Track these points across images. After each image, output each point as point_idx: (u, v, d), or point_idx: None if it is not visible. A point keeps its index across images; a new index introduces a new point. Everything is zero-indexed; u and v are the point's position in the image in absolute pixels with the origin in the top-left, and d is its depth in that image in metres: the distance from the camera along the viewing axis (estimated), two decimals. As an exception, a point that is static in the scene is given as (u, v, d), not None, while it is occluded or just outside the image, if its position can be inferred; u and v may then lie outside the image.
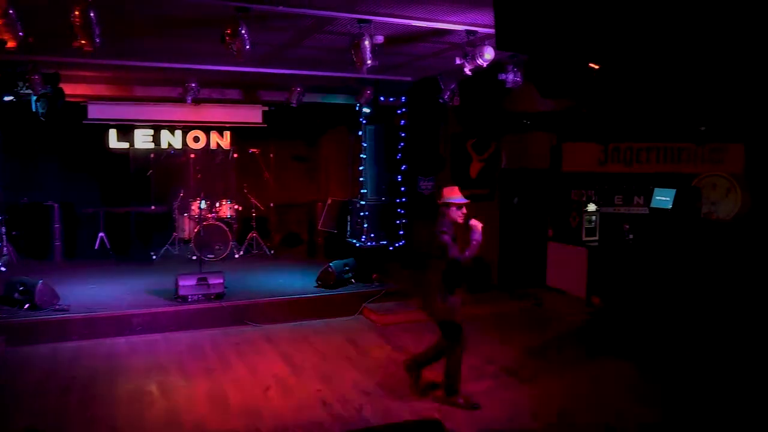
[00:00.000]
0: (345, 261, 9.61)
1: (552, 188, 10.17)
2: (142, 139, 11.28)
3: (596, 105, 8.47)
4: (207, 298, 8.33)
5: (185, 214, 11.76)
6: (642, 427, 5.17)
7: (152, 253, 11.37)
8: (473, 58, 6.32)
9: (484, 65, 6.33)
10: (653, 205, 9.06)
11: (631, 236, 9.07)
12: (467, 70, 6.45)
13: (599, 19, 3.61)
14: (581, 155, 9.98)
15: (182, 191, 11.71)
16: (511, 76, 7.28)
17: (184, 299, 8.22)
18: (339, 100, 10.66)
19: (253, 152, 12.08)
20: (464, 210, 5.61)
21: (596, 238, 9.46)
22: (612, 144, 9.78)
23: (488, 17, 5.77)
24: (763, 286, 7.16)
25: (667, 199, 8.83)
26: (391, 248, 10.39)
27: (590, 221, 9.48)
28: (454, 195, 5.60)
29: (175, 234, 11.65)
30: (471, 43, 6.34)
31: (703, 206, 9.26)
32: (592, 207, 9.48)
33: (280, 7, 5.43)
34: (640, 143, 9.66)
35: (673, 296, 7.76)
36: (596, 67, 5.87)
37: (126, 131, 11.15)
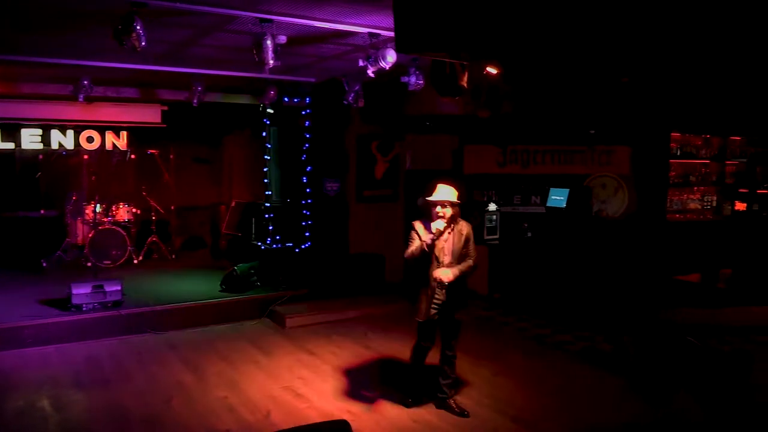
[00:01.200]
0: (250, 264, 9.55)
1: (457, 189, 10.31)
2: (30, 139, 10.74)
3: (494, 109, 8.81)
4: (103, 306, 8.10)
5: (78, 219, 11.28)
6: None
7: (42, 261, 10.86)
8: (376, 61, 6.32)
9: (387, 68, 6.34)
10: (549, 204, 9.35)
11: (529, 234, 9.35)
12: (370, 72, 6.44)
13: (495, 22, 3.68)
14: (482, 157, 10.20)
15: (75, 194, 11.29)
16: (413, 79, 7.29)
17: (78, 308, 7.96)
18: (243, 100, 10.51)
19: (152, 153, 11.87)
20: (440, 210, 5.31)
21: (497, 236, 9.59)
22: (510, 146, 10.03)
23: (390, 20, 5.75)
24: (643, 270, 8.59)
25: (562, 198, 9.16)
26: (297, 250, 10.26)
27: (491, 220, 9.61)
28: (435, 192, 5.39)
29: (67, 240, 11.20)
30: (374, 46, 6.35)
31: (594, 204, 9.67)
32: (492, 207, 9.63)
33: (179, 4, 5.29)
34: (536, 146, 9.95)
35: (565, 284, 8.65)
36: (494, 71, 6.10)
37: (11, 131, 10.61)
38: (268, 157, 10.63)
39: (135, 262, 11.36)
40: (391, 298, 9.38)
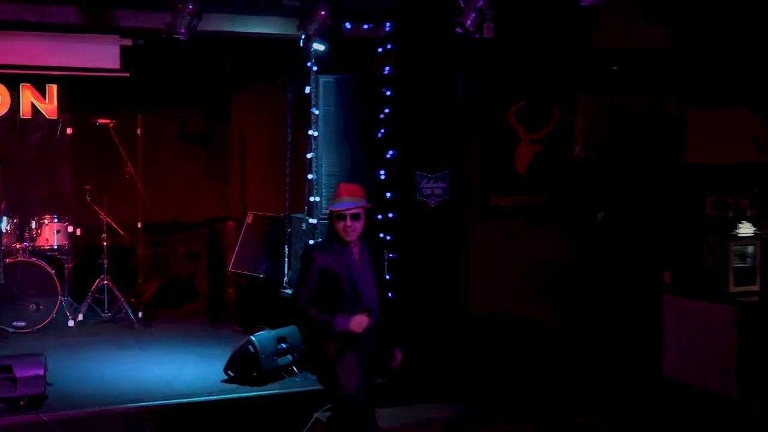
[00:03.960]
0: (280, 332, 9.57)
1: (669, 194, 10.33)
2: None
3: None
4: (11, 405, 8.04)
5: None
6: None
7: None
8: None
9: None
10: None
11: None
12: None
13: None
14: (723, 133, 10.12)
15: None
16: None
17: (-41, 409, 7.88)
18: (268, 28, 10.57)
19: (103, 125, 11.91)
20: (348, 222, 6.02)
21: (756, 287, 9.45)
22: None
23: None
24: None
25: None
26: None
27: (744, 255, 9.47)
28: (339, 197, 6.10)
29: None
30: None
31: None
32: (747, 228, 9.48)
33: None
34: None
35: None
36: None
37: None
38: (315, 134, 10.29)
39: (70, 324, 11.38)
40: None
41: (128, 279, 12.49)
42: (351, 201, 6.03)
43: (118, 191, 12.36)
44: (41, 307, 11.09)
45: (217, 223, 12.95)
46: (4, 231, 11.09)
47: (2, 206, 11.11)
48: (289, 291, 10.78)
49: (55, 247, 11.54)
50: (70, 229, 11.74)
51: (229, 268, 12.17)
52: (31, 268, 11.10)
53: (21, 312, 11.01)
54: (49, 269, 11.13)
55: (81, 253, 12.23)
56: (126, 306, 11.83)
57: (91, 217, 11.97)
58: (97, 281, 11.81)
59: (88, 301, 11.78)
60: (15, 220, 11.31)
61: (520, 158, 10.57)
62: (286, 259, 11.25)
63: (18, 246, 11.19)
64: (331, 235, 6.09)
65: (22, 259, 11.08)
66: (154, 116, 12.71)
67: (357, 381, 5.97)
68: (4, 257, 10.92)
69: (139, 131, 12.34)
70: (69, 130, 12.12)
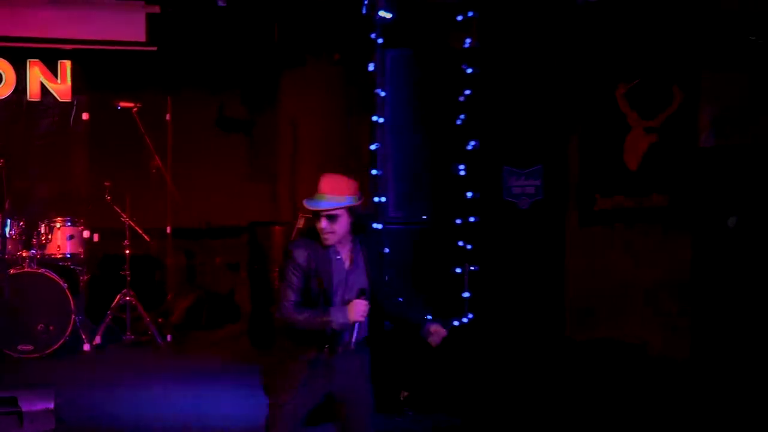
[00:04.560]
0: None
1: None
2: None
3: None
4: None
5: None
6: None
7: None
8: None
9: None
10: None
11: None
12: None
13: None
14: None
15: None
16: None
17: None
18: None
19: (125, 109, 11.69)
20: (323, 223, 5.93)
21: None
22: None
23: None
24: None
25: None
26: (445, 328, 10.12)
27: None
28: (317, 192, 5.96)
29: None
30: None
31: None
32: None
33: None
34: None
35: None
36: None
37: None
38: (380, 120, 10.00)
39: (86, 348, 11.10)
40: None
41: (155, 294, 12.16)
42: (329, 200, 5.81)
43: (143, 189, 12.03)
44: (51, 327, 10.66)
45: (261, 227, 12.32)
46: (7, 236, 10.84)
47: (5, 206, 10.90)
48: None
49: (68, 255, 11.15)
50: (86, 234, 11.34)
51: (277, 283, 11.91)
52: (39, 281, 10.75)
53: (28, 333, 10.66)
54: (61, 282, 10.71)
55: (98, 264, 11.96)
56: (152, 327, 11.54)
57: (111, 219, 11.58)
58: (118, 297, 11.45)
59: (107, 320, 11.42)
60: (21, 224, 10.97)
61: (632, 150, 10.37)
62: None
63: (24, 254, 10.79)
64: (313, 233, 5.91)
65: (28, 270, 10.72)
66: (185, 99, 12.51)
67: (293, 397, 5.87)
68: (8, 267, 10.70)
69: (168, 116, 12.12)
70: (85, 116, 11.78)
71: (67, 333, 10.73)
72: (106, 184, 11.54)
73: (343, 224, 5.86)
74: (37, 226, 11.09)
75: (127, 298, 11.45)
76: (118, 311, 11.52)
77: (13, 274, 10.63)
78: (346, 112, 11.70)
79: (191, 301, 12.65)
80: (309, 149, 13.08)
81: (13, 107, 11.75)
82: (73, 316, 10.77)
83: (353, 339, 5.77)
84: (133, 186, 11.89)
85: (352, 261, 5.99)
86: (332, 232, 5.80)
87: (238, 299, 12.82)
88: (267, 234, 12.15)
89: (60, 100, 11.81)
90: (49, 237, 11.10)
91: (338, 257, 5.90)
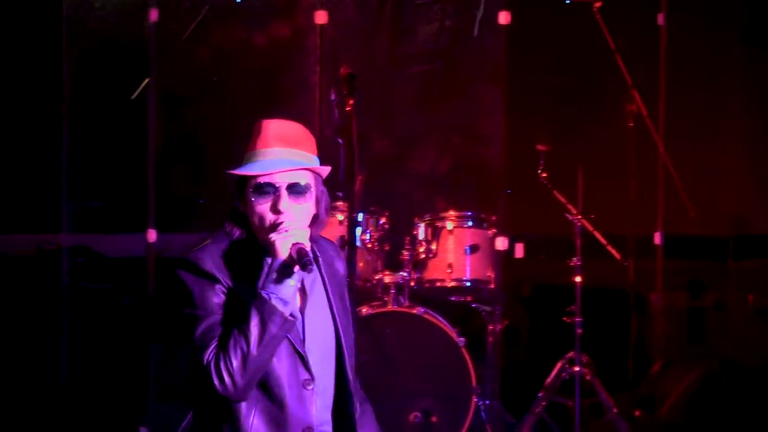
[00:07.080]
0: None
1: None
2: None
3: None
4: None
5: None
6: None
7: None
8: None
9: None
10: None
11: None
12: None
13: None
14: None
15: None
16: None
17: None
18: None
19: (578, 3, 9.51)
20: (281, 201, 4.12)
21: None
22: None
23: None
24: None
25: None
26: None
27: None
28: (259, 144, 4.41)
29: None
30: None
31: None
32: None
33: None
34: None
35: None
36: None
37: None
38: None
39: None
40: None
41: (624, 362, 9.06)
42: (291, 155, 3.81)
43: (608, 162, 8.92)
44: (434, 419, 8.04)
45: None
46: (360, 243, 8.08)
47: (357, 186, 7.95)
48: None
49: (468, 284, 8.28)
50: (502, 244, 8.47)
51: None
52: (414, 330, 8.07)
53: (392, 425, 7.78)
54: (454, 335, 7.82)
55: (523, 300, 9.28)
56: (622, 426, 8.36)
57: (546, 215, 8.59)
58: (558, 365, 8.26)
59: (538, 411, 8.34)
60: (381, 221, 8.12)
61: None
62: None
63: (386, 276, 8.00)
64: (247, 237, 3.72)
65: (395, 308, 7.95)
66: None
67: None
68: (362, 299, 8.18)
69: (660, 18, 8.62)
70: (503, 16, 8.74)
71: (465, 428, 7.90)
72: (539, 148, 8.43)
73: (312, 203, 4.00)
74: (411, 226, 8.22)
75: (576, 368, 8.18)
76: (556, 392, 8.29)
77: (369, 315, 7.98)
78: None
79: (696, 380, 9.20)
80: None
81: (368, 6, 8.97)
82: (474, 399, 7.94)
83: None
84: (590, 155, 8.74)
85: (311, 287, 4.04)
86: (283, 226, 3.87)
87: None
88: None
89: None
90: (433, 248, 8.16)
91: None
